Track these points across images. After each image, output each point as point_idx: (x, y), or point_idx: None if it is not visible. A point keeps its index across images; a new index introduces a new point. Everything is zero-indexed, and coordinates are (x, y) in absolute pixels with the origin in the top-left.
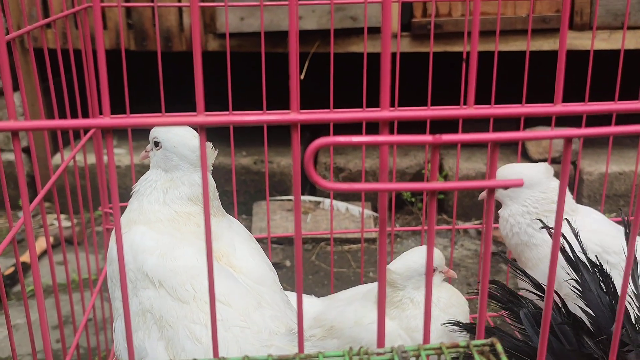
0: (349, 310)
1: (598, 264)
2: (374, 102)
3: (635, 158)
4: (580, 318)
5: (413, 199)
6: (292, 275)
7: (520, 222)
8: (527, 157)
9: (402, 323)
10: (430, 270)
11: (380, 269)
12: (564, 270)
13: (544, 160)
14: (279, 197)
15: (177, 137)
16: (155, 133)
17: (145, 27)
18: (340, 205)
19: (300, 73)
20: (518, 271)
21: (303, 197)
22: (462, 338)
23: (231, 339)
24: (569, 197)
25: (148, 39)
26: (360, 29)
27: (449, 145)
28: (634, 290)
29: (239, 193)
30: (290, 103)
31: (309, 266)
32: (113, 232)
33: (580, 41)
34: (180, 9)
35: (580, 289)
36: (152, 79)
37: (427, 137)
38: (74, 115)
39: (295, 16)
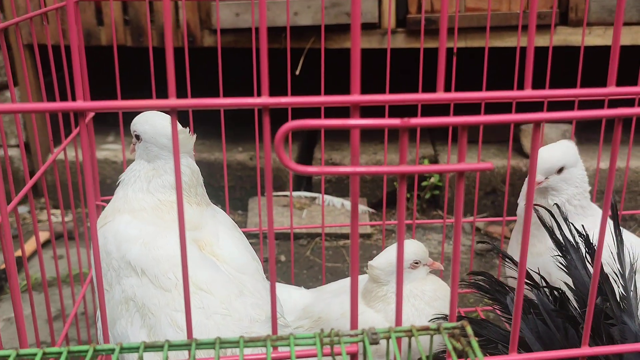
0: (336, 302)
1: (584, 242)
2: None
3: (634, 155)
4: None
5: (408, 195)
6: (286, 269)
7: (576, 205)
8: (521, 152)
9: (388, 316)
10: (400, 261)
11: (353, 253)
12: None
13: None
14: (274, 193)
15: (154, 127)
16: (134, 126)
17: (142, 23)
18: (336, 200)
19: (296, 68)
20: (507, 260)
21: (299, 193)
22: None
23: (212, 326)
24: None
25: (144, 35)
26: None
27: (445, 140)
28: (620, 269)
29: (235, 189)
30: (262, 87)
31: (304, 261)
32: (97, 223)
33: (575, 37)
34: (176, 5)
35: (567, 269)
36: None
37: (395, 121)
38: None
39: (264, 5)
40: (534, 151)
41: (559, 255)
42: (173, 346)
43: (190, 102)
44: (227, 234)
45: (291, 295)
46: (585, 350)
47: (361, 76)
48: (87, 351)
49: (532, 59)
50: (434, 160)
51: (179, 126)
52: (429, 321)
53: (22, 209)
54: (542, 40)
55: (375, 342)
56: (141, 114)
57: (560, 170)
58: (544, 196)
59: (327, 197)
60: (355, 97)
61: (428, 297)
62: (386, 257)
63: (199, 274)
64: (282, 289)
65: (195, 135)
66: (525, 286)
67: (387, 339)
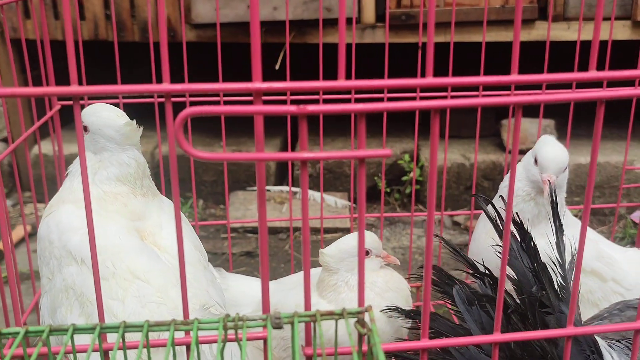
0: (292, 294)
1: (518, 231)
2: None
3: (609, 149)
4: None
5: (389, 189)
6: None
7: (564, 206)
8: (502, 147)
9: (339, 306)
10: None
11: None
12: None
13: (520, 151)
14: (251, 188)
15: (101, 119)
16: (82, 118)
17: (123, 18)
18: (317, 195)
19: (276, 63)
20: (451, 248)
21: (280, 187)
22: (401, 323)
23: (147, 314)
24: None
25: (126, 29)
26: (335, 20)
27: (427, 135)
28: (559, 259)
29: (217, 183)
30: (163, 74)
31: (282, 255)
32: (43, 213)
33: (554, 32)
34: (156, 0)
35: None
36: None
37: (291, 108)
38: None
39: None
40: (434, 138)
41: (497, 245)
42: (78, 330)
43: (97, 89)
44: (171, 224)
45: (251, 287)
46: (497, 336)
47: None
48: (18, 333)
49: (484, 49)
50: (416, 156)
51: (126, 118)
52: (381, 311)
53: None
54: (521, 35)
55: (278, 327)
56: (90, 105)
57: (565, 168)
58: (541, 194)
59: (309, 192)
60: (256, 84)
61: (378, 289)
62: (337, 245)
63: (137, 263)
64: (242, 280)
65: (141, 128)
66: (471, 277)
67: (291, 323)
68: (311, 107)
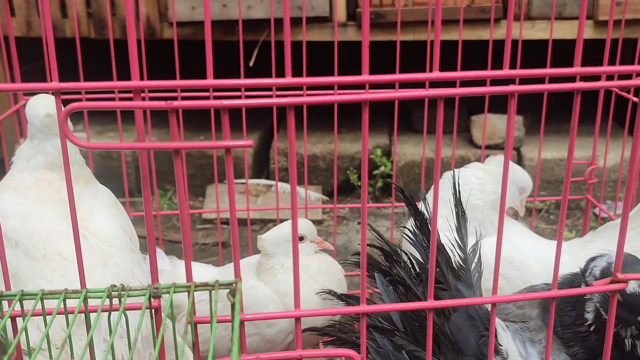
0: (230, 278)
1: (415, 212)
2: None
3: (576, 145)
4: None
5: (359, 183)
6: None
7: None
8: (471, 143)
9: (274, 287)
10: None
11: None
12: None
13: (488, 147)
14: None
15: (30, 109)
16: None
17: (104, 16)
18: (287, 187)
19: (249, 59)
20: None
21: (256, 181)
22: (333, 304)
23: None
24: None
25: (107, 27)
26: (307, 19)
27: (402, 131)
28: (459, 242)
29: (195, 176)
30: (52, 74)
31: (254, 246)
32: None
33: (518, 31)
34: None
35: (414, 239)
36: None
37: (161, 103)
38: None
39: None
40: (291, 132)
41: (403, 227)
42: None
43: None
44: (103, 210)
45: (198, 272)
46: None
47: (312, 66)
48: None
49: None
50: (388, 150)
51: (53, 110)
52: (316, 294)
53: None
54: (486, 34)
55: (157, 296)
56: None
57: None
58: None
59: (283, 185)
60: (135, 82)
61: (311, 271)
62: (274, 231)
63: (66, 246)
64: (192, 267)
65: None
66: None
67: (168, 292)
68: (177, 103)
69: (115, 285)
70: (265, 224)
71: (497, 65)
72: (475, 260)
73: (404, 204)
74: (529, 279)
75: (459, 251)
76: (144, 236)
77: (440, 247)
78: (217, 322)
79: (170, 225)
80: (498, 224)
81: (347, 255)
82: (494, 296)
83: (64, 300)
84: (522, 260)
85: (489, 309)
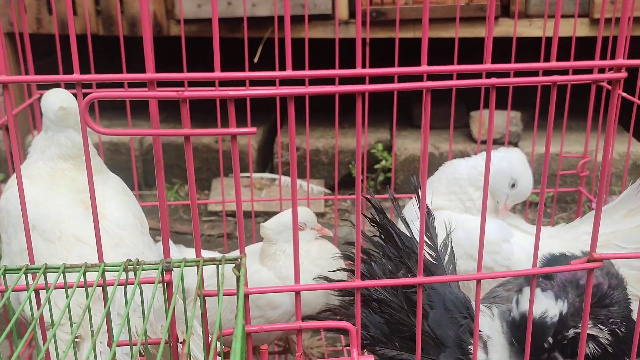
0: None
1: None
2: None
3: (572, 140)
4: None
5: (362, 177)
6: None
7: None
8: (471, 138)
9: (277, 272)
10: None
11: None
12: None
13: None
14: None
15: (45, 103)
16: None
17: (112, 14)
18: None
19: (254, 56)
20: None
21: (260, 174)
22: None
23: None
24: None
25: (115, 24)
26: (310, 16)
27: (403, 126)
28: (428, 241)
29: (201, 170)
30: (73, 65)
31: (257, 237)
32: (4, 186)
33: (518, 29)
34: None
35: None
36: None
37: (173, 93)
38: None
39: None
40: (291, 122)
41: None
42: (8, 270)
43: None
44: (114, 196)
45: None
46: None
47: (315, 63)
48: None
49: (397, 40)
50: (389, 145)
51: (67, 104)
52: (313, 279)
53: None
54: (485, 32)
55: (169, 270)
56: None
57: None
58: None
59: (286, 178)
60: (150, 75)
61: (312, 257)
62: (276, 219)
63: (81, 229)
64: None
65: (77, 114)
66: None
67: (179, 266)
68: (187, 93)
69: (130, 260)
70: (269, 215)
71: (498, 60)
72: (448, 252)
73: (404, 196)
74: (506, 265)
75: (429, 250)
76: (152, 228)
77: (410, 252)
78: (224, 295)
79: (177, 217)
80: (482, 207)
81: (348, 247)
82: (479, 273)
83: (84, 274)
84: (495, 249)
85: (467, 297)
